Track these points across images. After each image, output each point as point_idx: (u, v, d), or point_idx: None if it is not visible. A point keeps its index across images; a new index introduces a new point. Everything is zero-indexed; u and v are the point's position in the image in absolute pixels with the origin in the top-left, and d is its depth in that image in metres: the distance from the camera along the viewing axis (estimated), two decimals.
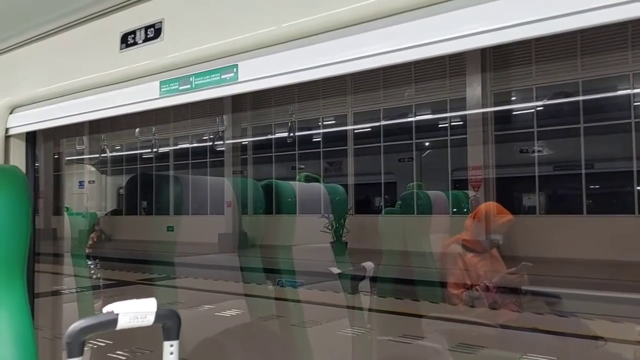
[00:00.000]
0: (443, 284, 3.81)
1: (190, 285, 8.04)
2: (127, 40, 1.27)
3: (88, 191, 15.41)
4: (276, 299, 6.12)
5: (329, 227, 11.66)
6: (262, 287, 7.06)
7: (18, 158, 1.72)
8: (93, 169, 16.02)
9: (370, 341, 3.72)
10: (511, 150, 12.58)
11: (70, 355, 0.81)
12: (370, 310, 3.58)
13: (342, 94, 13.47)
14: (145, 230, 15.69)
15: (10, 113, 1.67)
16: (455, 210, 11.95)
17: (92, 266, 6.34)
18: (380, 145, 14.12)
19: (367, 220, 12.41)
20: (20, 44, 1.59)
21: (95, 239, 8.45)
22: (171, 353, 0.90)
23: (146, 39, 1.23)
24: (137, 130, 13.50)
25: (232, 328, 4.80)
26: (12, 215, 1.30)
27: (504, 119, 12.43)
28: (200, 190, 16.35)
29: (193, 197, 16.49)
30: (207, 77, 1.16)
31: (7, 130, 1.68)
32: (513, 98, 12.55)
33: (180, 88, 1.20)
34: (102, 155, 15.26)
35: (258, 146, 15.69)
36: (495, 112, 11.73)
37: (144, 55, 1.25)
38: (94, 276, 6.19)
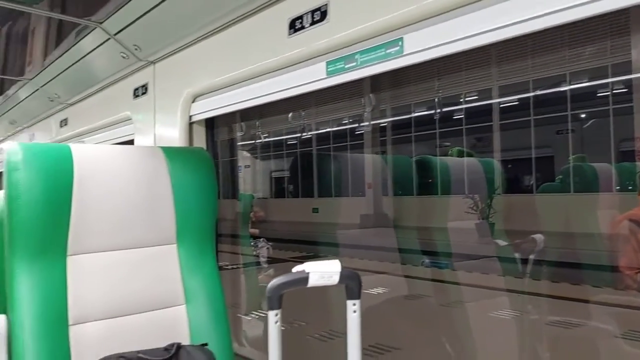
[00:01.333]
0: (613, 268, 3.50)
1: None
2: (295, 25, 1.36)
3: (243, 175, 16.70)
4: (425, 279, 6.09)
5: (474, 208, 11.19)
6: (407, 267, 7.07)
7: (200, 142, 1.95)
8: (248, 154, 17.29)
9: (532, 322, 3.56)
10: None
11: (270, 308, 0.92)
12: (529, 293, 3.41)
13: (486, 66, 12.72)
14: (293, 212, 16.57)
15: (193, 102, 1.89)
16: (622, 186, 10.71)
17: (253, 245, 6.93)
18: (530, 119, 13.17)
19: (514, 199, 11.69)
20: (199, 39, 1.78)
21: (254, 220, 9.19)
22: (354, 311, 0.96)
23: (313, 22, 1.30)
24: (289, 115, 14.20)
25: (382, 304, 4.89)
26: (204, 191, 1.47)
27: None
28: (342, 173, 16.77)
29: (335, 180, 16.97)
30: (372, 53, 1.19)
31: (190, 117, 1.91)
32: None
33: (346, 66, 1.26)
34: (257, 141, 16.42)
35: (397, 126, 15.57)
36: None
37: (311, 38, 1.32)
38: (254, 253, 6.76)
